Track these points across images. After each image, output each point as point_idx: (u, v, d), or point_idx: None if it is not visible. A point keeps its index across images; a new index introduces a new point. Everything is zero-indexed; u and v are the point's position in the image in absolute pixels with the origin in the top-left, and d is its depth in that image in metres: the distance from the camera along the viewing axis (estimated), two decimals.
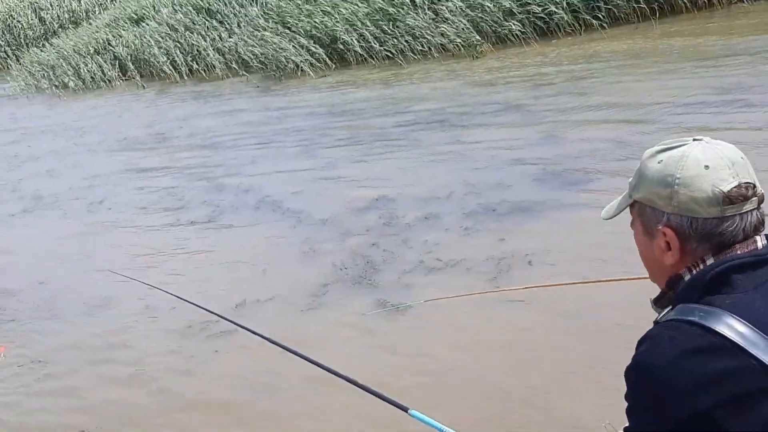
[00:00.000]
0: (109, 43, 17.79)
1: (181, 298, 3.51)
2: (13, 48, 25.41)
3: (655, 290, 1.44)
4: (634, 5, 10.89)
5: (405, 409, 2.30)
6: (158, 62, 16.22)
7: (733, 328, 1.20)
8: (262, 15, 15.37)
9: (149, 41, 16.59)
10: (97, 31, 19.13)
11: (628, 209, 1.46)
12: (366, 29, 13.05)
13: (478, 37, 11.85)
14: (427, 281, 5.27)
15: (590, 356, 4.04)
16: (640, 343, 1.29)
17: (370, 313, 4.96)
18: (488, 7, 11.77)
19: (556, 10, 11.24)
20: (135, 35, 17.32)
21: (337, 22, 13.48)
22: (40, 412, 4.84)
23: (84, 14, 25.47)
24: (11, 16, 26.12)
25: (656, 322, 1.35)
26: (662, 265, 1.38)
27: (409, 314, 4.87)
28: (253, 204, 7.81)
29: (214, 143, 10.55)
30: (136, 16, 18.19)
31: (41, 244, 7.89)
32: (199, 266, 6.51)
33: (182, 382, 4.76)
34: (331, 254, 6.13)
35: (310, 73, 13.39)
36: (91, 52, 18.06)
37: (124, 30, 17.94)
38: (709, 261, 1.32)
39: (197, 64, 15.67)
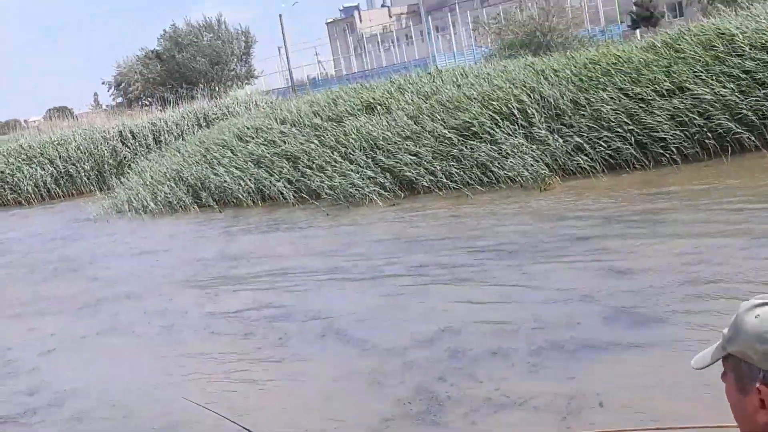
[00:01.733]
0: (180, 174, 18.51)
1: (247, 429, 3.49)
2: (96, 173, 26.73)
3: None
4: (702, 143, 10.95)
5: None
6: (231, 189, 16.79)
7: None
8: (330, 147, 15.89)
9: (223, 175, 17.24)
10: (173, 159, 20.01)
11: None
12: (433, 165, 13.38)
13: (545, 171, 12.00)
14: (495, 420, 5.16)
15: None
16: None
17: None
18: (556, 143, 11.99)
19: (624, 146, 11.37)
20: (208, 166, 18.06)
21: (403, 156, 13.88)
22: None
23: (161, 143, 26.87)
24: (98, 143, 27.65)
25: None
26: (754, 424, 1.33)
27: None
28: (319, 332, 7.84)
29: (284, 269, 10.73)
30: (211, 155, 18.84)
31: (112, 369, 8.01)
32: (264, 395, 6.51)
33: None
34: (395, 387, 6.07)
35: (379, 201, 13.66)
36: (168, 178, 18.82)
37: (197, 163, 18.69)
38: None
39: (268, 191, 16.16)
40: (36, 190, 27.16)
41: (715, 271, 6.96)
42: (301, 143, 16.67)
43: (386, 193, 13.78)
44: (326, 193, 14.79)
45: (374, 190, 13.83)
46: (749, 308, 1.35)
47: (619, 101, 11.96)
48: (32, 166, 27.69)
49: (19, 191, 27.29)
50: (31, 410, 7.09)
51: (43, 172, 27.34)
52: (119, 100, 61.81)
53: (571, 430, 4.68)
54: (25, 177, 27.33)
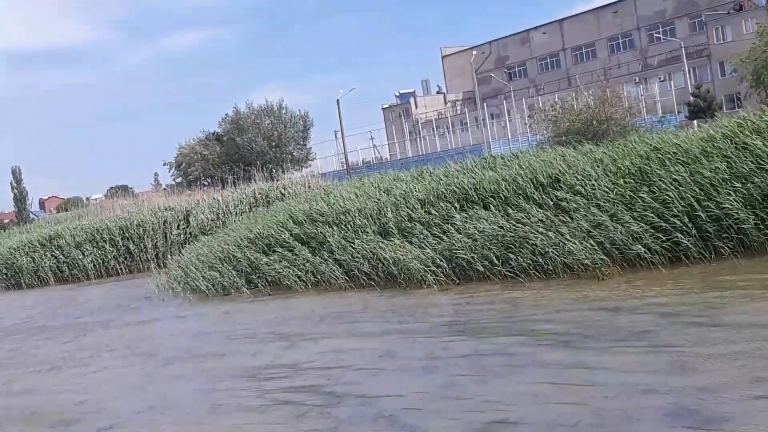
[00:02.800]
0: (232, 256, 18.66)
1: None
2: (157, 251, 27.30)
3: None
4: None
5: None
6: (281, 275, 16.78)
7: None
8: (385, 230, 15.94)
9: (274, 262, 17.30)
10: (227, 240, 20.25)
11: None
12: (489, 251, 13.31)
13: (604, 258, 11.86)
14: None
15: None
16: None
17: None
18: (615, 229, 11.88)
19: (683, 239, 11.23)
20: (261, 249, 18.20)
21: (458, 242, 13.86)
22: None
23: (219, 223, 27.37)
24: (158, 221, 28.36)
25: None
26: None
27: None
28: (370, 418, 7.73)
29: (336, 351, 10.68)
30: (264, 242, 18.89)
31: None
32: None
33: None
34: None
35: (433, 285, 13.61)
36: (221, 260, 18.98)
37: (249, 246, 18.82)
38: None
39: (320, 276, 16.15)
40: (95, 267, 27.83)
41: None
42: (358, 227, 16.73)
43: (441, 277, 13.72)
44: (379, 276, 14.79)
45: (430, 270, 13.79)
46: None
47: (679, 191, 11.84)
48: (93, 244, 28.45)
49: (79, 268, 28.01)
50: None
51: (102, 251, 28.06)
52: (179, 180, 63.31)
53: None
54: (87, 255, 28.05)
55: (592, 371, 7.83)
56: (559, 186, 13.76)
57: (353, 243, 16.04)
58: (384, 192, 18.37)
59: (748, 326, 8.15)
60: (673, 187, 11.98)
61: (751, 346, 7.55)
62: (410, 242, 14.91)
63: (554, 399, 7.24)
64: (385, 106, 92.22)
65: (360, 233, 16.24)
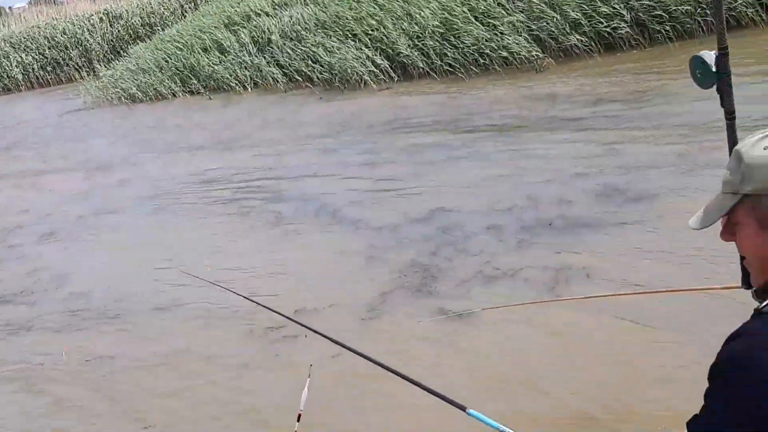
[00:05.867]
0: (167, 61, 18.22)
1: (250, 299, 3.56)
2: (84, 61, 26.37)
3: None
4: (699, 19, 10.76)
5: (463, 408, 2.33)
6: (222, 77, 16.54)
7: None
8: (322, 23, 15.58)
9: (214, 63, 16.97)
10: (162, 46, 19.65)
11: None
12: (428, 44, 13.14)
13: (540, 52, 11.84)
14: (485, 290, 5.30)
15: (657, 363, 4.01)
16: (733, 337, 1.24)
17: (428, 320, 5.01)
18: (553, 18, 11.77)
19: (621, 24, 11.19)
20: (198, 53, 17.76)
21: (400, 35, 13.63)
22: (102, 405, 5.00)
23: (150, 29, 26.32)
24: (84, 29, 27.16)
25: (758, 311, 1.29)
26: None
27: (468, 321, 4.90)
28: (312, 211, 7.93)
29: (277, 153, 10.73)
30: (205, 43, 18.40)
31: (111, 246, 8.14)
32: (258, 271, 6.64)
33: (239, 384, 4.86)
34: (389, 262, 6.19)
35: (373, 85, 13.52)
36: (156, 66, 18.52)
37: (184, 49, 18.34)
38: None
39: (259, 77, 15.96)
40: (25, 77, 26.94)
41: (704, 147, 6.93)
42: (293, 24, 16.33)
43: (381, 76, 13.60)
44: (319, 77, 14.60)
45: (369, 71, 13.63)
46: (753, 144, 1.31)
47: None
48: (18, 53, 27.37)
49: (8, 78, 27.12)
50: (29, 291, 7.27)
51: (30, 60, 27.04)
52: None
53: (557, 299, 4.81)
54: (13, 64, 27.07)
55: (528, 159, 8.03)
56: None
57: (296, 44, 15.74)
58: None
59: (676, 109, 8.28)
60: None
61: (678, 126, 7.73)
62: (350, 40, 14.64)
63: (491, 186, 7.46)
64: None
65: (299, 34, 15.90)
